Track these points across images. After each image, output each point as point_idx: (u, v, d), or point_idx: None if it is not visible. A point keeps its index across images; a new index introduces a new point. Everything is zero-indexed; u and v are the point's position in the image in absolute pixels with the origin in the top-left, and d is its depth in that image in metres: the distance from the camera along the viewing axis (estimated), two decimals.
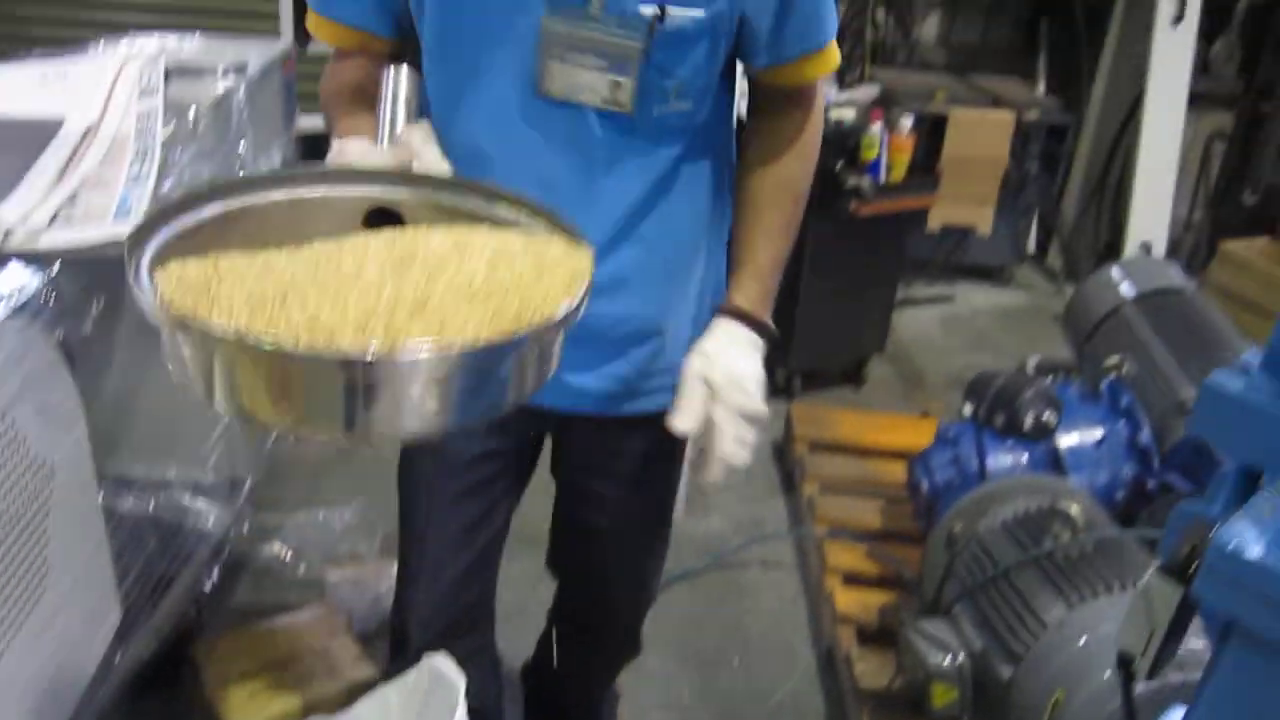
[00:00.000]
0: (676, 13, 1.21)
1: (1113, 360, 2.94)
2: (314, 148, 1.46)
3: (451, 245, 0.98)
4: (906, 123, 3.41)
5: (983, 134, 4.37)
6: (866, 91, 4.23)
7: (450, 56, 1.29)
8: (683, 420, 1.28)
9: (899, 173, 3.47)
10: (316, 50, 1.96)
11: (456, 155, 1.23)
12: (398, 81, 1.23)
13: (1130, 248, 4.76)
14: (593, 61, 1.22)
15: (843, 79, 4.52)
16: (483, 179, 1.15)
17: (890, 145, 3.38)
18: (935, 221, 4.44)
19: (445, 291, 0.89)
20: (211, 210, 1.01)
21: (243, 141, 2.09)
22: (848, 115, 3.34)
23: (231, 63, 2.17)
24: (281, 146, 2.39)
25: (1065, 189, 5.00)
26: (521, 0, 1.22)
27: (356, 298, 0.85)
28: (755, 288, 1.40)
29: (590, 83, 1.24)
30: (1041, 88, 4.92)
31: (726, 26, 1.27)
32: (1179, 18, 4.52)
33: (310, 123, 2.39)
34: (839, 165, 3.31)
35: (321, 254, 0.95)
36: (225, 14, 3.52)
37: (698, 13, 1.22)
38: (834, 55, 1.35)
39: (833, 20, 1.33)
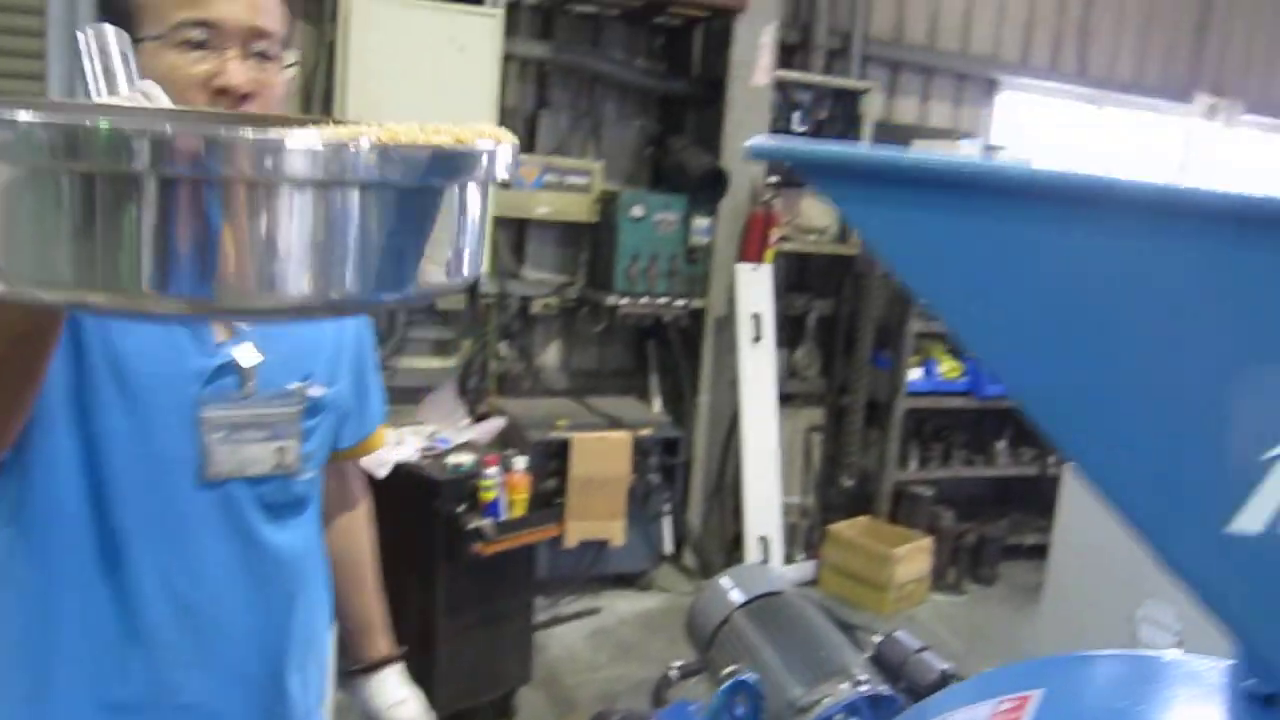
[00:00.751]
0: (313, 390, 1.38)
1: (729, 669, 3.13)
2: None
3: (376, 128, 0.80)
4: (520, 462, 3.62)
5: (605, 454, 4.69)
6: (493, 425, 4.47)
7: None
8: None
9: (520, 509, 3.63)
10: None
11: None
12: (102, 38, 0.97)
13: (750, 541, 5.18)
14: (254, 435, 1.32)
15: (473, 411, 4.76)
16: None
17: (507, 485, 3.55)
18: (573, 538, 4.66)
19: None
20: None
21: None
22: (466, 460, 3.50)
23: None
24: None
25: (688, 493, 5.41)
26: (177, 396, 1.26)
27: None
28: (385, 638, 1.65)
29: (256, 455, 1.33)
30: (657, 405, 5.41)
31: (342, 404, 1.46)
32: (757, 338, 5.19)
33: None
34: (460, 509, 3.43)
35: None
36: None
37: (327, 390, 1.40)
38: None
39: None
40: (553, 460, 4.62)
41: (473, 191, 0.69)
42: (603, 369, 5.58)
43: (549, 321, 5.42)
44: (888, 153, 0.61)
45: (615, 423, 4.87)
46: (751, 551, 5.16)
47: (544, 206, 5.04)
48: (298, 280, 0.61)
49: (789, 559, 5.49)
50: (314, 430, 1.40)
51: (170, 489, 1.29)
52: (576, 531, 4.67)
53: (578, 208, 5.10)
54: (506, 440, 4.47)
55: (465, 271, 0.71)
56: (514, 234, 5.27)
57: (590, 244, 5.27)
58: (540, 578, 4.87)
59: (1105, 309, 0.60)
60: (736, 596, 3.91)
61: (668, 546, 5.40)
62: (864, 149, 0.62)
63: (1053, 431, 0.63)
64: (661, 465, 5.10)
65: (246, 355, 1.30)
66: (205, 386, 1.29)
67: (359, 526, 1.67)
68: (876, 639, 2.23)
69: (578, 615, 4.88)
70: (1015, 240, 0.61)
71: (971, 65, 6.26)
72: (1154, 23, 6.71)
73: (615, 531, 4.79)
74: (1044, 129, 6.60)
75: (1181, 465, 0.61)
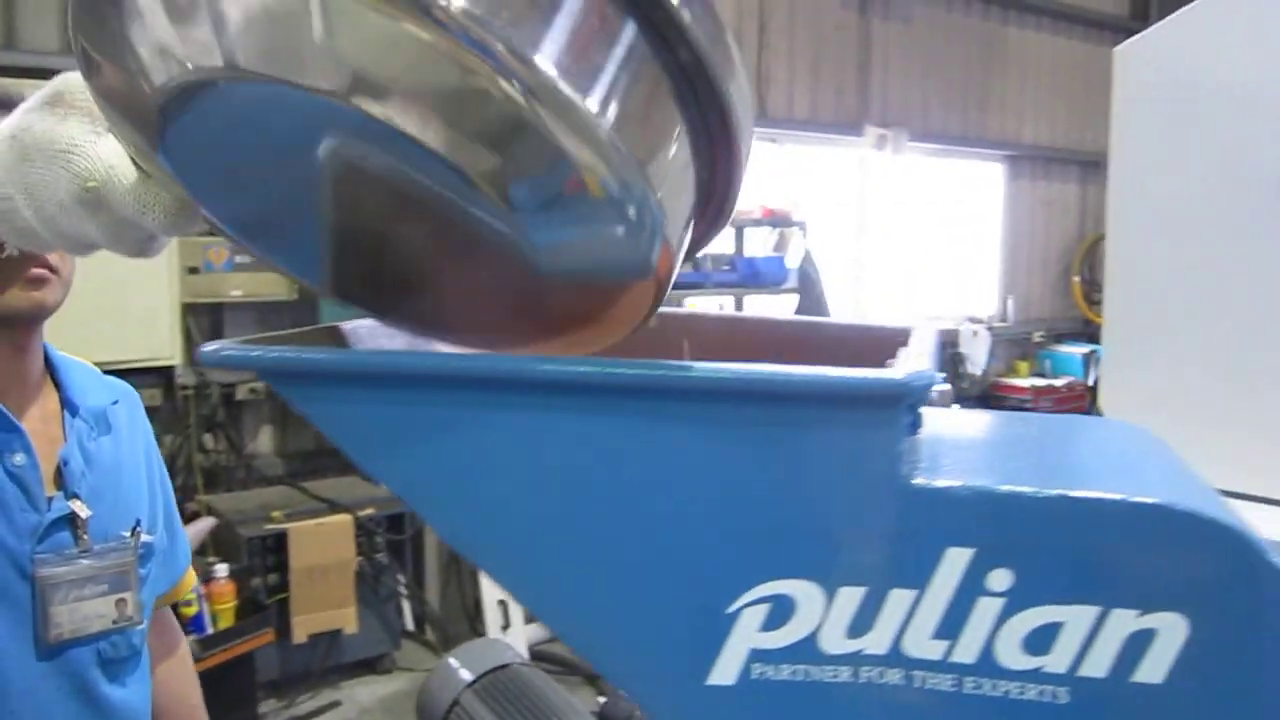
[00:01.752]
0: (145, 536, 1.38)
1: None
2: None
3: None
4: (222, 570, 3.42)
5: (325, 540, 4.51)
6: (201, 526, 4.21)
7: None
8: None
9: (227, 619, 3.43)
10: None
11: None
12: None
13: (488, 607, 5.11)
14: (93, 589, 1.29)
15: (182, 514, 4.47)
16: None
17: (209, 595, 3.35)
18: (301, 633, 4.44)
19: None
20: None
21: None
22: None
23: None
24: None
25: (423, 567, 5.28)
26: (8, 556, 1.23)
27: None
28: None
29: (97, 610, 1.30)
30: None
31: (161, 549, 1.45)
32: None
33: None
34: None
35: None
36: None
37: (153, 536, 1.41)
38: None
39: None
40: (271, 555, 4.40)
41: None
42: (321, 448, 5.37)
43: (258, 406, 5.18)
44: (346, 354, 0.61)
45: (334, 506, 4.69)
46: (491, 617, 5.09)
47: (238, 289, 4.83)
48: None
49: (530, 618, 5.46)
50: (146, 578, 1.40)
51: (5, 657, 1.24)
52: (305, 625, 4.46)
53: (274, 286, 4.91)
54: (217, 540, 4.22)
55: None
56: (210, 319, 5.01)
57: (291, 323, 5.08)
58: (270, 680, 4.62)
59: (569, 485, 0.62)
60: (465, 675, 3.85)
61: (409, 624, 5.25)
62: (325, 353, 0.61)
63: (538, 608, 0.64)
64: (389, 543, 4.96)
65: (79, 508, 1.30)
66: (39, 544, 1.26)
67: (187, 670, 1.67)
68: (601, 700, 2.25)
69: (316, 713, 4.65)
70: (488, 429, 0.62)
71: None
72: (822, 64, 7.22)
73: (347, 619, 4.60)
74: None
75: (657, 623, 0.63)
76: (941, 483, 0.59)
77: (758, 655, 0.62)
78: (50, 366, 1.38)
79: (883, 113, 7.52)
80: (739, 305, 6.69)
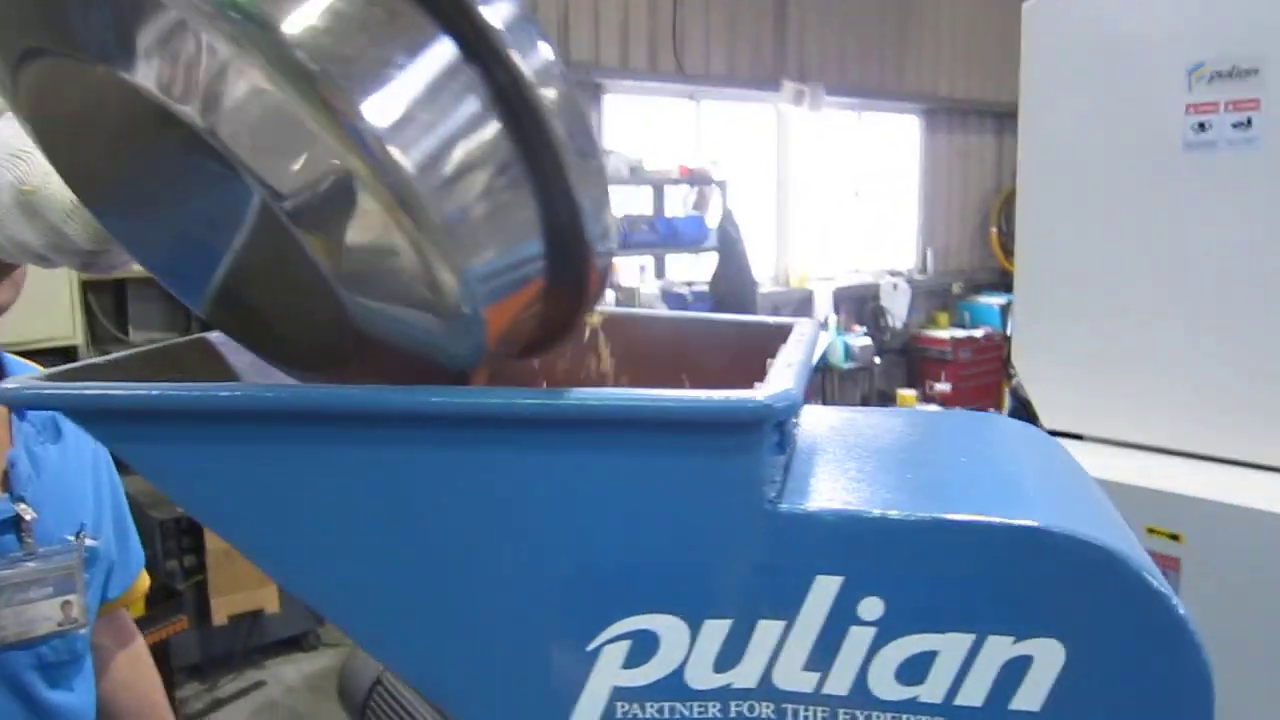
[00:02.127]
0: (89, 540, 1.35)
1: None
2: None
3: None
4: None
5: None
6: None
7: None
8: None
9: (139, 608, 3.33)
10: None
11: None
12: None
13: None
14: (38, 593, 1.27)
15: None
16: None
17: None
18: (221, 614, 4.35)
19: None
20: None
21: None
22: None
23: None
24: None
25: None
26: None
27: None
28: None
29: (43, 613, 1.28)
30: None
31: (110, 554, 1.43)
32: None
33: None
34: None
35: None
36: None
37: (98, 542, 1.38)
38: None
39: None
40: (186, 537, 4.29)
41: None
42: None
43: None
44: (161, 389, 0.55)
45: None
46: None
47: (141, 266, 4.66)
48: None
49: None
50: (91, 582, 1.38)
51: None
52: (225, 607, 4.37)
53: None
54: None
55: None
56: (113, 297, 4.83)
57: None
58: (191, 664, 4.53)
59: (411, 521, 0.57)
60: None
61: None
62: (134, 389, 0.55)
63: (387, 656, 0.59)
64: None
65: (24, 510, 1.29)
66: None
67: (147, 668, 1.63)
68: None
69: (240, 694, 4.57)
70: (321, 466, 0.57)
71: (575, 71, 6.39)
72: (738, 19, 7.15)
73: (268, 599, 4.51)
74: (650, 128, 6.87)
75: (513, 664, 0.59)
76: (808, 507, 0.56)
77: (621, 693, 0.58)
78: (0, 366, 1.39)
79: (800, 67, 7.48)
80: (660, 265, 6.65)
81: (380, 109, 0.48)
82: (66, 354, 4.67)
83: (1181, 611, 0.53)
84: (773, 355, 0.71)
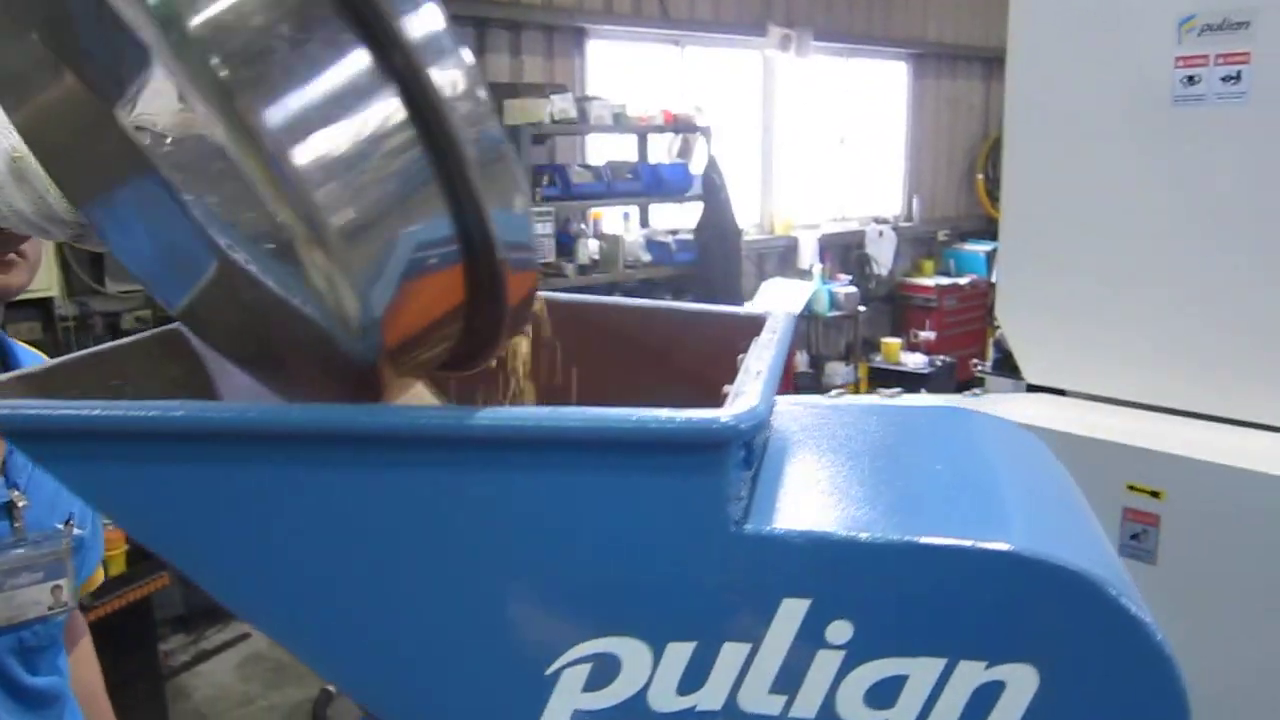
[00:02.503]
0: (77, 529, 1.37)
1: None
2: None
3: None
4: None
5: None
6: None
7: None
8: None
9: (119, 565, 3.32)
10: None
11: None
12: None
13: None
14: (28, 578, 1.29)
15: None
16: None
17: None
18: None
19: None
20: None
21: None
22: None
23: None
24: None
25: None
26: None
27: None
28: None
29: (33, 597, 1.29)
30: None
31: (87, 542, 1.44)
32: None
33: None
34: None
35: None
36: None
37: (83, 531, 1.40)
38: None
39: None
40: None
41: None
42: None
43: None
44: (90, 407, 0.52)
45: None
46: None
47: None
48: None
49: None
50: (79, 568, 1.41)
51: None
52: None
53: None
54: None
55: None
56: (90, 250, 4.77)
57: None
58: (176, 615, 4.54)
59: (365, 543, 0.55)
60: None
61: None
62: (65, 408, 0.51)
63: (343, 680, 0.57)
64: None
65: (17, 497, 1.31)
66: None
67: (90, 659, 1.66)
68: None
69: (225, 646, 4.59)
70: (247, 484, 0.54)
71: (558, 17, 6.28)
72: None
73: None
74: (634, 74, 6.76)
75: (471, 688, 0.57)
76: (775, 529, 0.54)
77: (582, 717, 0.56)
78: (4, 353, 1.40)
79: (786, 12, 7.36)
80: (644, 214, 6.59)
81: (279, 115, 0.49)
82: (42, 305, 4.62)
83: (1159, 637, 0.51)
84: (745, 349, 0.68)
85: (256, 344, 0.62)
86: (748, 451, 0.57)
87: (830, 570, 0.53)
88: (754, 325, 0.75)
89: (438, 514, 0.54)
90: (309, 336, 0.53)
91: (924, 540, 0.52)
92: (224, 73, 0.47)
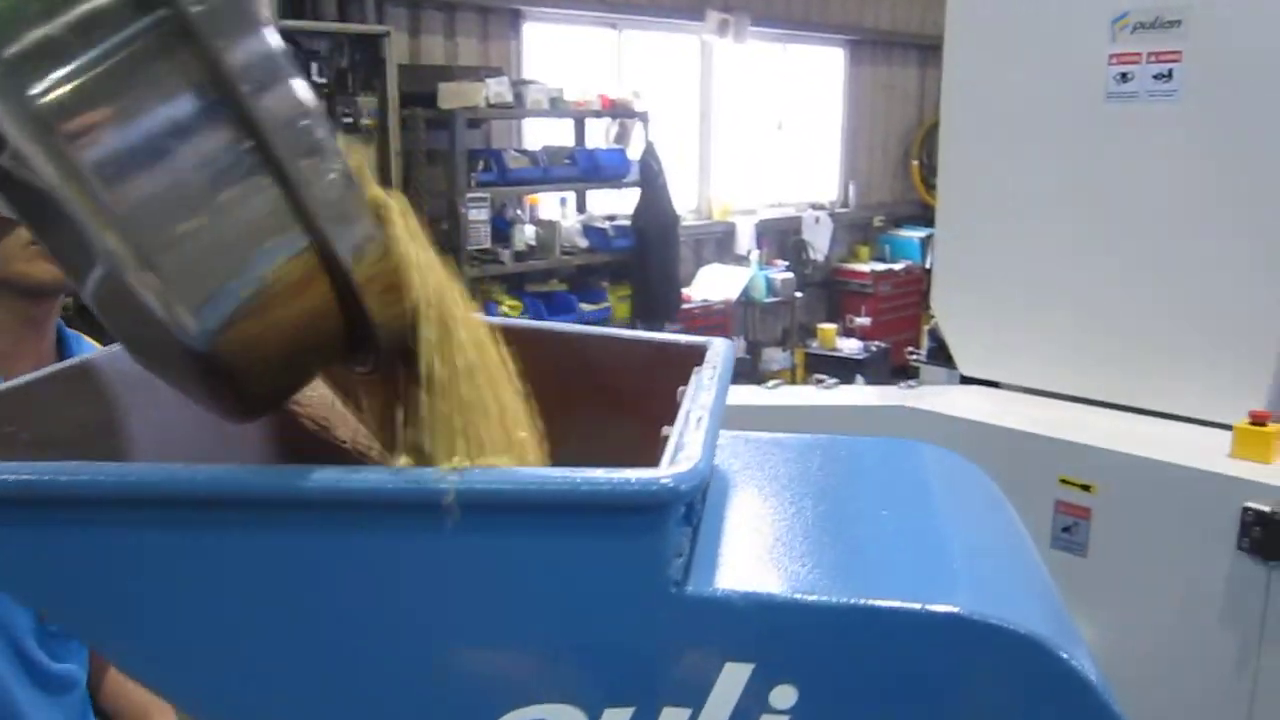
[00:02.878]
0: None
1: None
2: None
3: None
4: None
5: None
6: None
7: None
8: None
9: None
10: None
11: None
12: None
13: None
14: None
15: None
16: None
17: None
18: None
19: None
20: None
21: None
22: None
23: None
24: None
25: None
26: None
27: None
28: None
29: None
30: None
31: None
32: None
33: None
34: None
35: None
36: None
37: None
38: None
39: None
40: None
41: None
42: None
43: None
44: None
45: None
46: None
47: None
48: None
49: None
50: None
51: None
52: None
53: None
54: None
55: None
56: None
57: None
58: None
59: (275, 610, 0.51)
60: None
61: None
62: None
63: None
64: None
65: None
66: None
67: None
68: None
69: None
70: (164, 553, 0.50)
71: None
72: None
73: None
74: (572, 58, 6.69)
75: None
76: (716, 590, 0.51)
77: None
78: (61, 343, 1.37)
79: None
80: (581, 200, 6.54)
81: (101, 147, 0.50)
82: None
83: (1114, 706, 0.50)
84: (684, 380, 0.66)
85: (136, 339, 0.63)
86: (688, 508, 0.54)
87: (774, 633, 0.51)
88: (694, 354, 0.73)
89: (360, 578, 0.51)
90: (166, 339, 0.54)
91: (870, 602, 0.50)
92: (40, 104, 0.48)
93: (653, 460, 0.64)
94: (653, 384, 0.73)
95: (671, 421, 0.59)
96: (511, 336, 0.80)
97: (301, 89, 0.55)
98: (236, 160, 0.53)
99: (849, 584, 0.51)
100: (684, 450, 0.51)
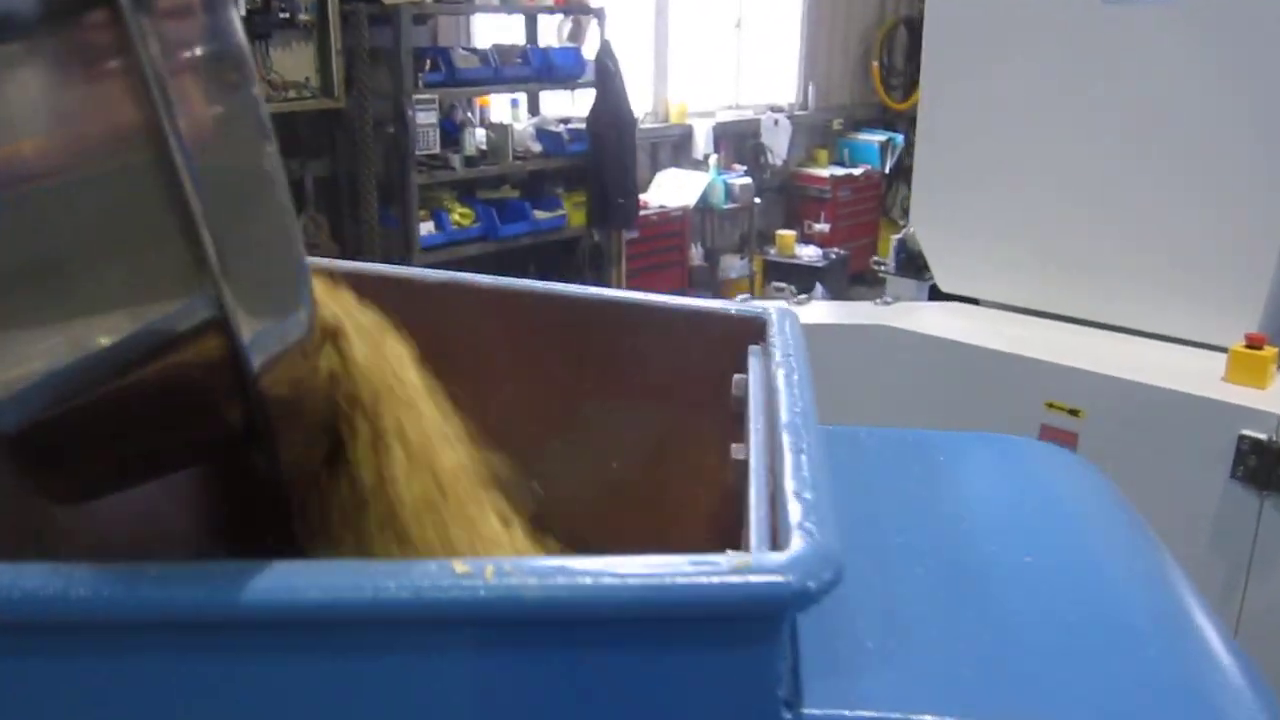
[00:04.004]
0: None
1: None
2: None
3: None
4: None
5: None
6: None
7: None
8: None
9: None
10: None
11: None
12: None
13: None
14: None
15: None
16: None
17: None
18: None
19: None
20: None
21: None
22: None
23: None
24: None
25: None
26: None
27: None
28: None
29: None
30: None
31: None
32: None
33: None
34: None
35: None
36: None
37: None
38: None
39: None
40: None
41: None
42: None
43: None
44: None
45: None
46: None
47: None
48: None
49: None
50: None
51: None
52: None
53: None
54: None
55: None
56: None
57: None
58: None
59: None
60: None
61: None
62: None
63: None
64: None
65: None
66: None
67: None
68: None
69: None
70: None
71: None
72: None
73: None
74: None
75: None
76: (841, 714, 0.36)
77: None
78: None
79: None
80: (534, 102, 6.26)
81: None
82: None
83: None
84: (732, 360, 0.51)
85: None
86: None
87: None
88: (745, 327, 0.57)
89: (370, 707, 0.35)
90: None
91: None
92: None
93: (691, 463, 0.51)
94: (688, 362, 0.58)
95: (722, 417, 0.45)
96: (514, 303, 0.64)
97: None
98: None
99: (994, 698, 0.37)
100: (795, 516, 0.35)
